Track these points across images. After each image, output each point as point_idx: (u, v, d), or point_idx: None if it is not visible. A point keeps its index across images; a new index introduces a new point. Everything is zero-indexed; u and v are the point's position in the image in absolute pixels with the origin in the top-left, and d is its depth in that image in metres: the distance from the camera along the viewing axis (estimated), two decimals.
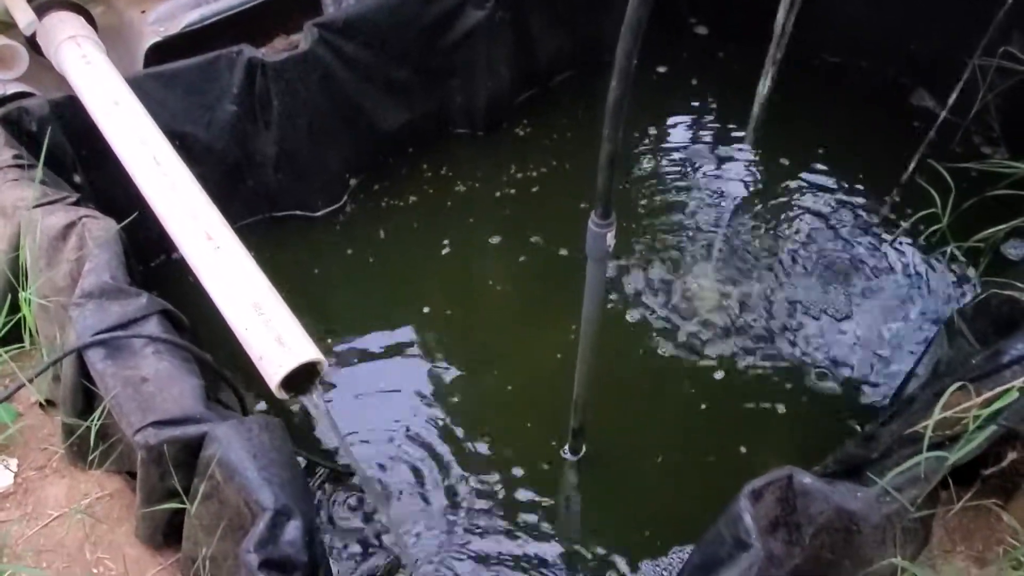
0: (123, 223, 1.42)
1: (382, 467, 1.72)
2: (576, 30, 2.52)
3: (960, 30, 2.33)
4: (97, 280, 1.33)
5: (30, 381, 1.24)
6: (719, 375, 1.84)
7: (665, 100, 2.58)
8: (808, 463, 1.66)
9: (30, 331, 1.27)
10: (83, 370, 1.29)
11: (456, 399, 1.83)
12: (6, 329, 1.22)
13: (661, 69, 2.65)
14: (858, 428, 1.73)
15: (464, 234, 2.19)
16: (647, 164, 2.37)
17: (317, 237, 2.18)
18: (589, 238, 1.23)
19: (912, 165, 1.93)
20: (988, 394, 1.08)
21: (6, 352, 1.22)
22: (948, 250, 1.74)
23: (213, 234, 1.38)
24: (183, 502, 1.22)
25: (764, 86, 1.68)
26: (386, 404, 1.83)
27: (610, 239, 1.23)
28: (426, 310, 2.01)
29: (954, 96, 1.79)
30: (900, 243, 2.09)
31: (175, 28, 1.88)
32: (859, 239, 2.12)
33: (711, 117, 2.53)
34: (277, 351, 1.26)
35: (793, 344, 1.89)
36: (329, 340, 1.93)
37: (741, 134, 2.43)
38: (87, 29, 1.72)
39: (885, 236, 2.11)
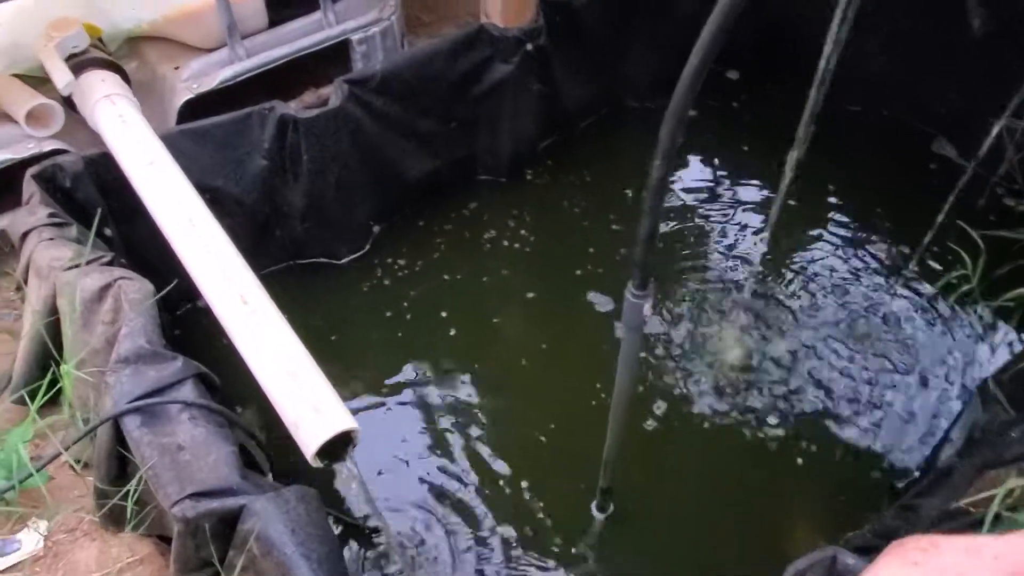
0: (161, 293, 1.43)
1: (408, 525, 1.70)
2: (599, 78, 2.55)
3: (979, 81, 2.35)
4: (133, 345, 1.34)
5: (66, 449, 1.24)
6: (749, 433, 1.83)
7: (691, 143, 2.60)
8: (840, 522, 1.65)
9: (68, 403, 1.27)
10: (118, 437, 1.29)
11: (480, 452, 1.82)
12: (46, 401, 1.22)
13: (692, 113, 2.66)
14: (891, 486, 1.71)
15: (486, 279, 2.19)
16: (669, 212, 2.37)
17: (341, 284, 2.18)
18: (626, 308, 1.23)
19: (939, 221, 1.93)
20: None
21: (43, 420, 1.22)
22: (978, 308, 1.74)
23: (248, 298, 1.39)
24: (217, 573, 1.22)
25: (794, 156, 1.69)
26: (408, 455, 1.81)
27: (647, 310, 1.23)
28: (448, 356, 2.00)
29: (982, 152, 1.79)
30: (927, 299, 2.08)
31: (208, 85, 1.90)
32: (884, 293, 2.11)
33: (736, 163, 2.54)
34: (313, 420, 1.26)
35: (822, 400, 1.88)
36: (351, 388, 1.93)
37: (762, 187, 2.43)
38: (122, 87, 1.74)
39: (911, 290, 2.10)
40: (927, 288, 2.10)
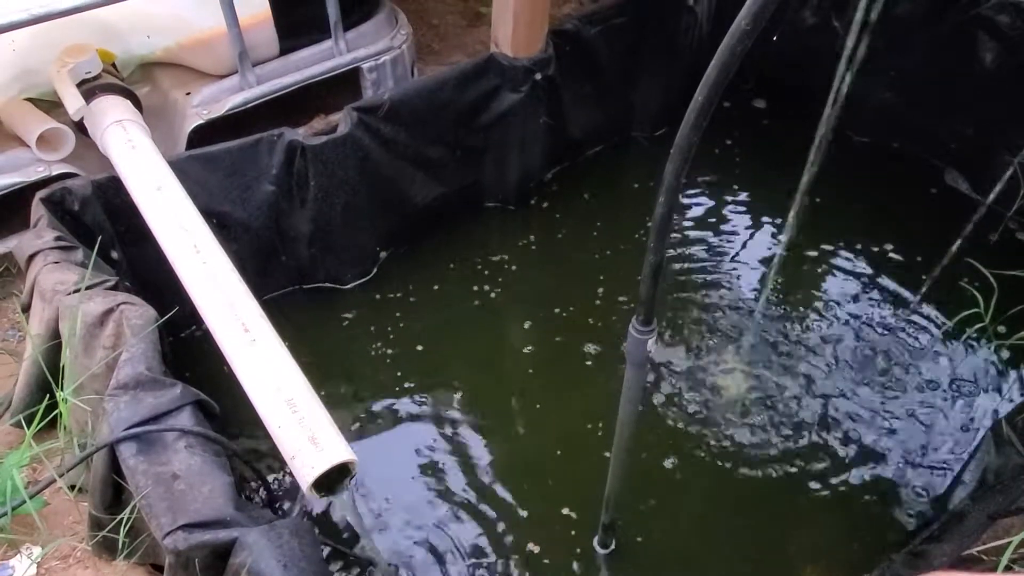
0: (162, 319, 1.42)
1: (404, 557, 1.67)
2: (607, 107, 2.55)
3: (991, 115, 2.33)
4: (133, 371, 1.33)
5: (61, 476, 1.23)
6: (756, 471, 1.79)
7: (697, 174, 2.59)
8: (848, 566, 1.61)
9: (65, 427, 1.26)
10: (114, 464, 1.28)
11: (480, 484, 1.79)
12: (45, 423, 1.21)
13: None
14: (899, 522, 1.67)
15: (491, 306, 2.18)
16: (676, 242, 2.36)
17: (346, 309, 2.18)
18: (629, 343, 1.21)
19: (951, 253, 1.91)
20: None
21: (40, 445, 1.21)
22: (991, 347, 1.70)
23: (250, 326, 1.38)
24: None
25: (802, 187, 1.68)
26: (408, 484, 1.79)
27: (651, 345, 1.21)
28: (451, 384, 1.99)
29: (997, 190, 1.77)
30: (939, 336, 2.05)
31: (218, 111, 1.91)
32: (894, 329, 2.08)
33: (743, 193, 2.53)
34: (310, 451, 1.24)
35: (830, 438, 1.84)
36: (351, 415, 1.92)
37: (770, 219, 2.42)
38: (133, 113, 1.76)
39: (922, 328, 2.07)
40: (939, 325, 2.07)
